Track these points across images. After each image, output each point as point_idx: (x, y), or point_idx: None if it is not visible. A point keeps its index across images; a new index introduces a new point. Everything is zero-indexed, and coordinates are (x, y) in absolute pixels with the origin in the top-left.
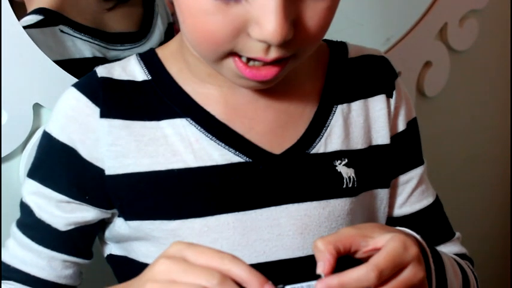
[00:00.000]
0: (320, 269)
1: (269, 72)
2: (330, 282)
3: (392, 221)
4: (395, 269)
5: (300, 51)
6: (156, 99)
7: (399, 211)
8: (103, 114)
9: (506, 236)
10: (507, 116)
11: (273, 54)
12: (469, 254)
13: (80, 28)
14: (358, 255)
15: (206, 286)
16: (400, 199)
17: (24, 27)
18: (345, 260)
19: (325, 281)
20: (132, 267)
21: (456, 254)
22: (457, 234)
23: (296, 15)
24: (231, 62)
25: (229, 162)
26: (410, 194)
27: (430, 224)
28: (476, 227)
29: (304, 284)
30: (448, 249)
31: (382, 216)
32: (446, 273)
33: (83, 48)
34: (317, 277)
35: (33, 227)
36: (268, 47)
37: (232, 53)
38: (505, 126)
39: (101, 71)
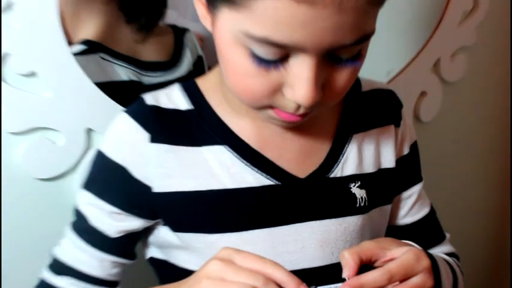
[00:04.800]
0: (346, 273)
1: (299, 118)
2: (353, 283)
3: (396, 229)
4: (406, 276)
5: (325, 105)
6: (198, 127)
7: (402, 221)
8: (152, 140)
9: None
10: (493, 139)
11: (302, 111)
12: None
13: (117, 56)
14: (377, 264)
15: (254, 285)
16: (402, 211)
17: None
18: (364, 268)
19: (350, 282)
20: (172, 271)
21: (447, 254)
22: (447, 235)
23: (325, 79)
24: (270, 111)
25: (261, 184)
26: (411, 207)
27: (427, 230)
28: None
29: (333, 286)
30: (441, 249)
31: (384, 227)
32: (441, 277)
33: (120, 72)
34: (342, 280)
35: (87, 232)
36: (299, 105)
37: (271, 106)
38: (491, 148)
39: (150, 99)
